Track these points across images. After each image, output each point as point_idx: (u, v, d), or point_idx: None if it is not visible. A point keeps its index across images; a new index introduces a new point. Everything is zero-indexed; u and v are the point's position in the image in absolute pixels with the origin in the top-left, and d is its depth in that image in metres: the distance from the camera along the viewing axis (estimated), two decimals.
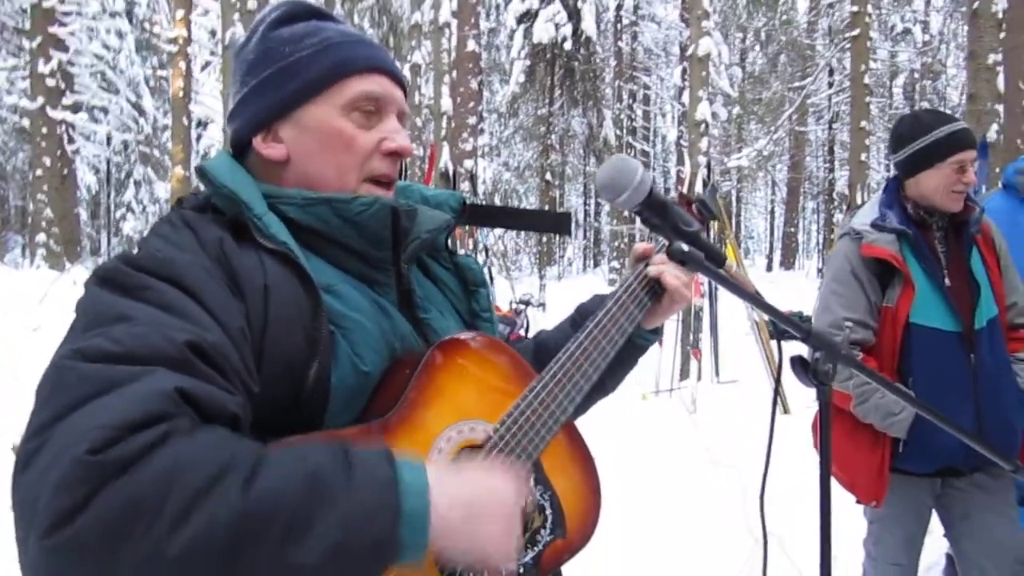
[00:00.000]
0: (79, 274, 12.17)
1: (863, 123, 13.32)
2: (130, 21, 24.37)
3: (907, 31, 27.56)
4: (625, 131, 25.59)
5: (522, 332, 11.60)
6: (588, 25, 20.80)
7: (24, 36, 18.77)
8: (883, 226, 2.59)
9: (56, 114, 16.16)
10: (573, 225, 1.52)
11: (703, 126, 9.79)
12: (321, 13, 1.27)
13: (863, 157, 13.11)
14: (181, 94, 16.59)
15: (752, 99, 26.79)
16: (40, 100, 15.98)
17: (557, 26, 20.25)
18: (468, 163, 13.59)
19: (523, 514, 1.02)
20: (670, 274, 1.34)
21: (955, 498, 2.65)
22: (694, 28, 9.96)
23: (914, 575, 2.72)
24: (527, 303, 12.93)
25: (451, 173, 12.08)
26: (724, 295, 9.59)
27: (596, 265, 35.11)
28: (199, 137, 24.91)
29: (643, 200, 1.24)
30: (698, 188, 8.83)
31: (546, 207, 21.84)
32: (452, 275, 1.37)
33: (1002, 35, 8.62)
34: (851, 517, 2.80)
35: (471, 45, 14.07)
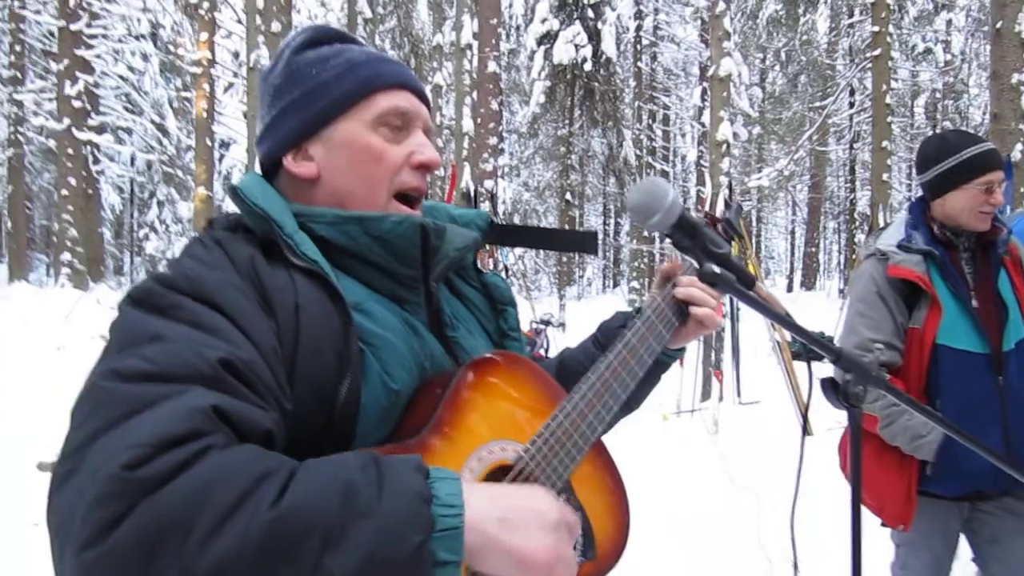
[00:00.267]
0: (103, 293, 12.30)
1: (885, 143, 13.24)
2: (155, 44, 24.63)
3: (928, 51, 27.46)
4: (645, 151, 25.58)
5: (542, 352, 11.58)
6: (608, 46, 20.91)
7: (51, 59, 19.06)
8: (910, 247, 2.57)
9: (82, 135, 16.40)
10: (599, 244, 1.52)
11: (724, 146, 9.76)
12: (345, 36, 1.29)
13: (885, 177, 13.03)
14: (204, 115, 16.76)
15: (772, 119, 26.76)
16: (66, 121, 16.22)
17: (577, 47, 20.36)
18: (488, 183, 13.64)
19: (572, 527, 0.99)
20: (698, 298, 1.35)
21: (983, 522, 2.60)
22: (715, 49, 9.96)
23: None
24: (547, 323, 12.92)
25: (472, 193, 12.12)
26: (746, 315, 9.54)
27: (615, 285, 35.09)
28: (221, 157, 25.15)
29: (674, 222, 1.24)
30: (719, 208, 8.80)
31: (566, 227, 21.84)
32: (480, 294, 1.37)
33: None
34: (877, 541, 2.76)
35: (492, 66, 14.14)
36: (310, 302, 1.04)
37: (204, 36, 16.77)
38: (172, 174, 26.51)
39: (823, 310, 17.76)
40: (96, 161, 17.79)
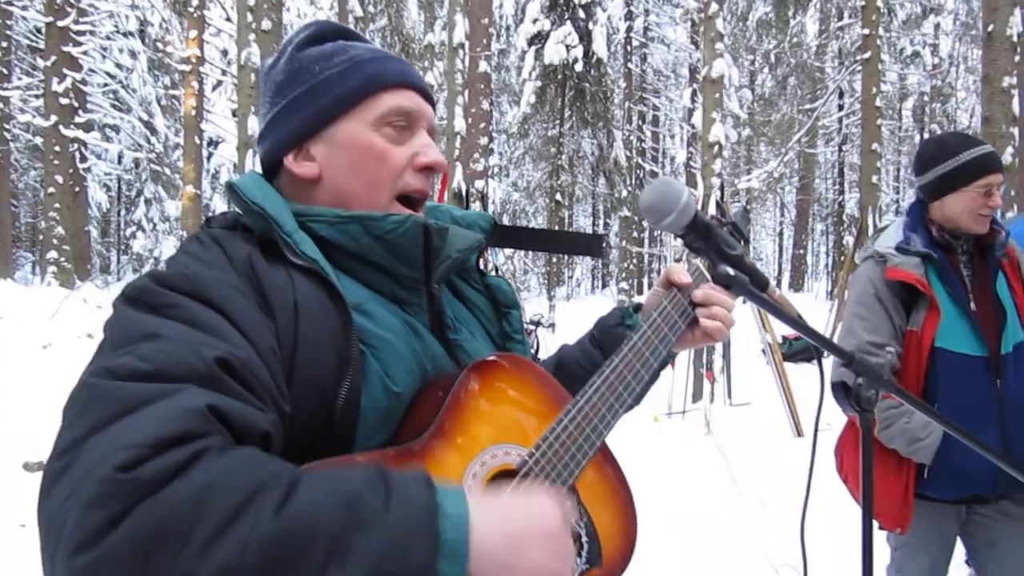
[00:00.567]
0: (89, 292, 12.20)
1: (874, 145, 13.29)
2: (143, 41, 24.54)
3: (916, 54, 27.61)
4: (635, 152, 25.62)
5: (532, 352, 11.57)
6: (599, 47, 20.91)
7: (38, 55, 18.93)
8: (908, 249, 2.56)
9: (69, 132, 16.28)
10: (605, 248, 1.50)
11: (716, 147, 9.75)
12: (350, 33, 1.27)
13: (874, 179, 13.08)
14: (193, 113, 16.72)
15: (762, 121, 26.83)
16: (53, 118, 16.10)
17: (568, 48, 20.35)
18: (479, 183, 13.60)
19: (572, 534, 0.97)
20: (717, 300, 1.33)
21: (981, 525, 2.60)
22: (707, 50, 9.95)
23: None
24: (537, 323, 12.93)
25: (464, 193, 12.09)
26: (736, 317, 9.54)
27: (604, 286, 35.15)
28: (210, 156, 25.03)
29: (688, 223, 1.22)
30: (711, 209, 8.80)
31: (555, 227, 21.84)
32: (483, 296, 1.35)
33: (1017, 58, 8.59)
34: (873, 544, 2.75)
35: (483, 66, 14.09)
36: (309, 301, 1.02)
37: (193, 33, 16.73)
38: (160, 172, 26.40)
39: (811, 312, 17.82)
40: (83, 159, 17.66)
